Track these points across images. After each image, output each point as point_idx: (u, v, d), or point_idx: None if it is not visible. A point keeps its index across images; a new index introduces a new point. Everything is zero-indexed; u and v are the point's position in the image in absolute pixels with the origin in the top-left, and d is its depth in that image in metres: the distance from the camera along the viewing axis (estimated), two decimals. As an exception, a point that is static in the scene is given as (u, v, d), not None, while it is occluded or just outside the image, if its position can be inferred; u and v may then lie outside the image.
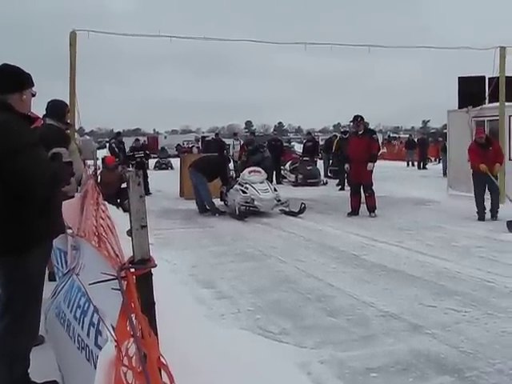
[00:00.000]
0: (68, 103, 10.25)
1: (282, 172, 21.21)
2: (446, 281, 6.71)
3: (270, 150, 21.32)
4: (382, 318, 5.44)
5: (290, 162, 21.49)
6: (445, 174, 20.84)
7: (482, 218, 11.26)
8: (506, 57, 13.57)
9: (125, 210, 10.37)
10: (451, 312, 5.57)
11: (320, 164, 22.75)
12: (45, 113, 5.94)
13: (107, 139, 44.88)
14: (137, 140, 20.54)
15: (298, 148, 32.19)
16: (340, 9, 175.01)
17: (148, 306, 2.26)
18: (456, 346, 4.65)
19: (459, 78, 15.57)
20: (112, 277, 2.13)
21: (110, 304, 2.11)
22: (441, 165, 23.55)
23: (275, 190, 13.10)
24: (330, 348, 4.66)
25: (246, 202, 12.33)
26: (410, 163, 30.75)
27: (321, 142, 29.57)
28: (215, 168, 13.20)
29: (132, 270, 2.20)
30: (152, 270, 2.42)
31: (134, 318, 1.82)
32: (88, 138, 33.13)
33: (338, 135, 22.17)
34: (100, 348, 2.11)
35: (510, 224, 9.91)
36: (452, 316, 5.45)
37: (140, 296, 2.12)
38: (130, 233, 2.29)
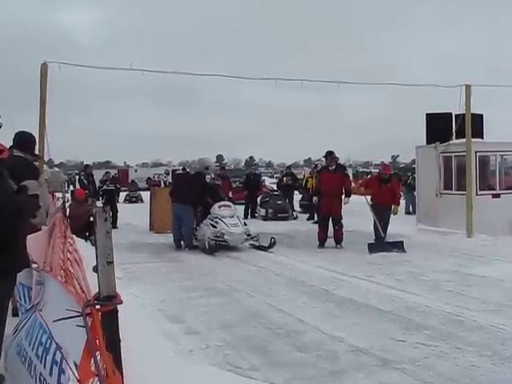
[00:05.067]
0: (37, 134, 10.21)
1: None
2: (416, 315, 6.74)
3: (247, 184, 21.47)
4: (351, 353, 5.42)
5: (260, 197, 21.53)
6: (407, 211, 20.95)
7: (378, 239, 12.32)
8: (471, 95, 13.89)
9: (93, 244, 10.24)
10: (421, 346, 5.57)
11: (297, 198, 22.81)
12: (12, 144, 5.87)
13: (77, 171, 44.55)
14: (107, 173, 20.41)
15: (268, 182, 32.27)
16: (310, 45, 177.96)
17: (113, 344, 2.21)
18: (425, 381, 4.65)
19: (427, 114, 15.88)
20: (77, 313, 2.09)
21: (73, 341, 2.06)
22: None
23: (245, 224, 13.08)
24: (299, 384, 4.62)
25: (216, 237, 12.28)
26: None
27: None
28: (200, 190, 13.13)
29: (97, 306, 2.16)
30: (119, 305, 2.38)
31: (98, 356, 1.78)
32: (57, 169, 32.86)
33: (308, 170, 22.31)
34: (63, 387, 2.05)
35: (371, 247, 11.46)
36: (421, 350, 5.46)
37: (105, 333, 2.07)
38: (96, 269, 2.25)
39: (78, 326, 2.03)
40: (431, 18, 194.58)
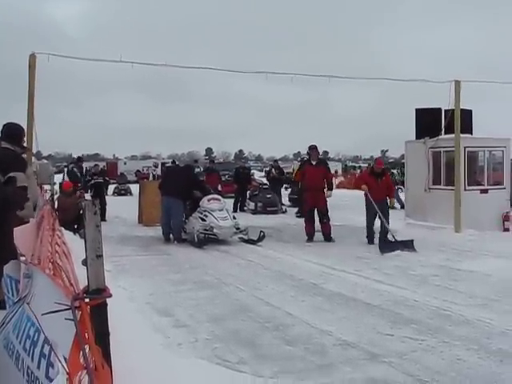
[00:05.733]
0: (26, 126, 10.12)
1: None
2: (403, 309, 6.78)
3: (237, 178, 21.47)
4: (339, 346, 5.44)
5: (249, 190, 21.54)
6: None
7: (371, 241, 12.13)
8: (460, 90, 13.94)
9: (82, 237, 10.21)
10: (408, 340, 5.61)
11: (286, 192, 22.86)
12: (0, 136, 5.82)
13: (65, 164, 44.32)
14: (96, 165, 20.36)
15: (258, 176, 32.28)
16: (301, 40, 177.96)
17: (102, 337, 2.21)
18: (412, 374, 4.68)
19: (416, 109, 15.93)
20: (65, 307, 2.08)
21: (62, 335, 2.05)
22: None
23: (234, 217, 13.08)
24: (287, 377, 4.64)
25: (205, 230, 12.27)
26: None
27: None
28: (189, 183, 13.11)
29: (86, 300, 2.15)
30: (108, 298, 2.37)
31: (87, 350, 1.77)
32: (45, 162, 32.68)
33: (297, 164, 22.33)
34: (51, 380, 2.04)
35: (382, 246, 11.09)
36: (409, 344, 5.49)
37: (94, 326, 2.07)
38: (85, 262, 2.25)
39: (66, 319, 2.02)
40: (421, 15, 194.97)
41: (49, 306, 2.27)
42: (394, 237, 11.33)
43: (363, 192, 12.34)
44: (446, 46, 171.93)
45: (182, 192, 12.83)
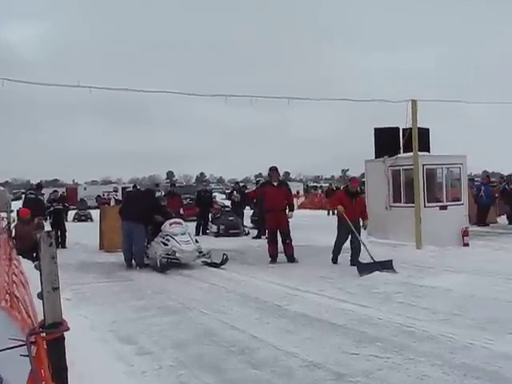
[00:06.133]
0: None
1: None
2: (368, 327, 6.79)
3: (199, 201, 21.38)
4: (306, 368, 5.41)
5: (212, 213, 21.49)
6: None
7: (335, 261, 12.22)
8: (417, 109, 14.21)
9: (37, 269, 9.99)
10: (373, 358, 5.61)
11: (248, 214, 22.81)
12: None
13: (23, 190, 43.46)
14: (55, 191, 20.05)
15: (219, 199, 32.23)
16: (259, 62, 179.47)
17: (59, 372, 2.14)
18: (379, 394, 4.67)
19: (375, 129, 16.18)
20: (20, 342, 2.01)
21: (17, 372, 1.98)
22: None
23: (197, 241, 13.01)
24: (254, 402, 4.58)
25: (168, 254, 12.16)
26: (331, 212, 31.13)
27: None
28: (150, 208, 12.97)
29: (43, 334, 2.09)
30: (69, 326, 2.31)
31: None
32: (2, 188, 31.98)
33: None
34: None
35: (360, 268, 10.70)
36: (374, 362, 5.50)
37: (51, 362, 2.00)
38: (41, 295, 2.18)
39: (22, 355, 1.96)
40: (380, 35, 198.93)
41: (3, 341, 2.20)
42: (372, 258, 11.04)
43: (338, 212, 12.11)
44: (404, 66, 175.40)
45: (143, 217, 12.70)
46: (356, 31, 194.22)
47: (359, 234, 11.97)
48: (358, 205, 12.08)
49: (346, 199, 12.02)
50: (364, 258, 11.32)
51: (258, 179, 22.38)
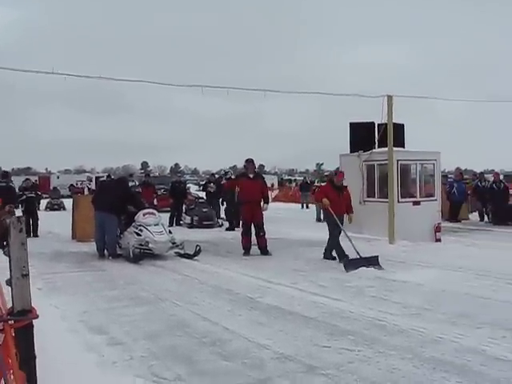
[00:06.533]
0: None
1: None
2: (340, 321, 6.82)
3: (173, 192, 21.27)
4: (277, 360, 5.42)
5: (186, 204, 21.41)
6: (318, 219, 21.32)
7: (343, 255, 11.31)
8: (392, 105, 14.30)
9: (7, 255, 9.86)
10: (345, 351, 5.64)
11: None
12: None
13: (-5, 178, 42.78)
14: (27, 179, 19.80)
15: (194, 190, 32.11)
16: (236, 54, 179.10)
17: (27, 361, 2.10)
18: (350, 386, 4.70)
19: (350, 123, 16.25)
20: (-13, 330, 1.97)
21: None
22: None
23: (170, 232, 12.95)
24: (225, 394, 4.58)
25: (141, 245, 12.07)
26: (305, 205, 31.30)
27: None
28: (123, 198, 12.85)
29: (11, 322, 2.04)
30: (36, 319, 2.27)
31: (10, 376, 1.68)
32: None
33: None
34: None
35: (347, 264, 10.47)
36: (346, 355, 5.52)
37: (19, 350, 1.96)
38: (9, 282, 2.14)
39: (-12, 342, 1.92)
40: (357, 30, 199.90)
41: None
42: (358, 253, 10.83)
43: (324, 206, 11.82)
44: (380, 60, 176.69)
45: (115, 207, 12.59)
46: (333, 24, 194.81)
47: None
48: (344, 198, 11.83)
49: (332, 193, 11.71)
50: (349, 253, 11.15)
51: (226, 170, 22.37)
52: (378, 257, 10.72)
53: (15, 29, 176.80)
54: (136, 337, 6.24)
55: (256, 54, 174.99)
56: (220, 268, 10.89)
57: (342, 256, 11.31)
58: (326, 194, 11.73)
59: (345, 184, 12.15)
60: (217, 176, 24.91)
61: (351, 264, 10.50)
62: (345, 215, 11.87)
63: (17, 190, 17.76)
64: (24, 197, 17.65)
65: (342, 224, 11.65)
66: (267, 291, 8.67)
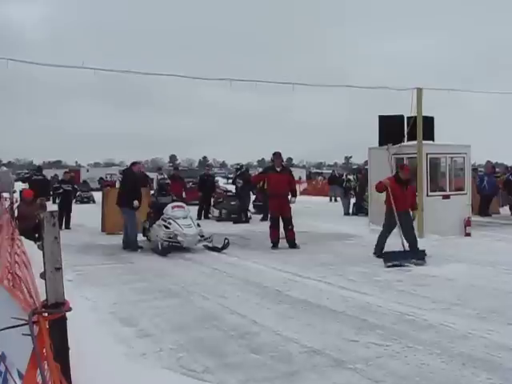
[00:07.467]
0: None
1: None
2: (368, 315, 6.80)
3: (201, 185, 21.34)
4: (305, 353, 5.43)
5: (214, 198, 21.48)
6: (346, 212, 21.30)
7: (379, 252, 11.01)
8: (422, 97, 14.14)
9: (40, 248, 10.01)
10: (373, 346, 5.63)
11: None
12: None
13: (26, 171, 43.48)
14: (66, 172, 20.14)
15: (222, 183, 32.19)
16: (264, 47, 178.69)
17: (61, 352, 2.15)
18: (378, 380, 4.69)
19: (379, 116, 16.08)
20: (23, 322, 2.01)
21: (19, 351, 1.98)
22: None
23: (199, 225, 13.01)
24: (253, 386, 4.61)
25: (169, 238, 12.17)
26: (333, 199, 31.12)
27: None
28: (131, 193, 12.97)
29: (45, 314, 2.08)
30: (68, 311, 2.31)
31: (45, 366, 1.71)
32: (5, 169, 32.01)
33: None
34: (7, 398, 1.97)
35: (386, 257, 10.35)
36: (374, 350, 5.51)
37: (53, 341, 2.00)
38: (43, 275, 2.18)
39: (24, 334, 1.96)
40: (384, 23, 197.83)
41: (6, 320, 2.20)
42: (404, 246, 10.59)
43: (385, 202, 11.30)
44: (408, 53, 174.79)
45: (122, 200, 12.86)
46: (365, 17, 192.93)
47: (412, 225, 11.29)
48: (408, 194, 11.30)
49: (396, 187, 11.09)
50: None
51: (236, 167, 22.36)
52: (424, 251, 10.53)
53: (46, 25, 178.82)
54: (165, 329, 6.30)
55: (283, 47, 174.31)
56: (248, 261, 10.91)
57: (379, 251, 11.11)
58: (392, 189, 11.09)
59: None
60: (243, 170, 24.83)
61: (391, 257, 10.39)
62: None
63: (53, 183, 18.18)
64: (61, 190, 17.91)
65: (408, 220, 11.12)
66: (295, 285, 8.67)
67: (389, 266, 10.09)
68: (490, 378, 4.71)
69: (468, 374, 4.82)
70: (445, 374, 4.83)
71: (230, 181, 25.02)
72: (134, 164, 13.73)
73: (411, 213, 11.35)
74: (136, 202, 12.83)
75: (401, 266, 10.09)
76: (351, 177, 23.29)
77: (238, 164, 22.33)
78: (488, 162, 22.35)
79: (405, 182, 11.34)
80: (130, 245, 12.71)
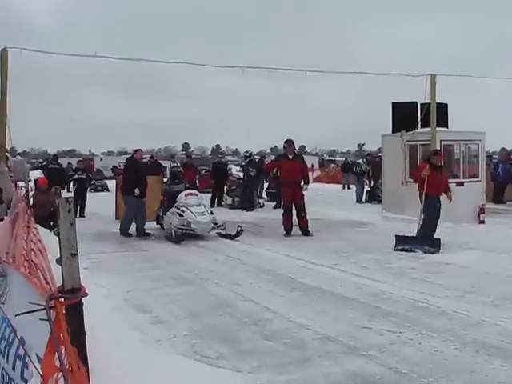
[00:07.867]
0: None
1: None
2: (381, 302, 6.82)
3: (214, 173, 21.37)
4: (318, 340, 5.45)
5: (227, 185, 21.51)
6: (359, 200, 21.25)
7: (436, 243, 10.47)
8: (436, 84, 14.04)
9: (56, 234, 10.09)
10: (386, 333, 5.64)
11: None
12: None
13: (41, 160, 43.78)
14: (80, 161, 20.32)
15: (235, 171, 32.17)
16: (276, 33, 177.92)
17: (78, 337, 2.17)
18: (391, 367, 4.71)
19: (393, 103, 16.00)
20: (40, 307, 2.04)
21: (37, 335, 2.01)
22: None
23: (212, 213, 13.05)
24: (266, 372, 4.64)
25: (183, 225, 12.22)
26: (346, 186, 31.04)
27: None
28: (133, 180, 13.09)
29: (61, 299, 2.12)
30: (84, 297, 2.34)
31: (62, 350, 1.74)
32: (20, 158, 32.27)
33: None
34: (26, 382, 2.01)
35: (399, 240, 10.34)
36: (387, 337, 5.53)
37: (70, 326, 2.04)
38: (59, 261, 2.21)
39: (41, 319, 1.99)
40: (397, 8, 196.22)
41: (23, 305, 2.23)
42: (418, 232, 10.53)
43: (418, 188, 11.17)
44: (421, 39, 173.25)
45: (125, 187, 13.05)
46: (378, 4, 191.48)
47: (438, 215, 11.08)
48: (443, 179, 11.28)
49: (432, 174, 10.92)
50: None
51: (245, 154, 22.29)
52: (439, 239, 10.37)
53: (59, 13, 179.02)
54: (179, 316, 6.35)
55: (296, 34, 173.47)
56: (261, 248, 10.94)
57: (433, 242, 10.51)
58: (428, 176, 10.89)
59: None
60: (256, 158, 24.76)
61: (401, 240, 10.38)
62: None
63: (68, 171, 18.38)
64: (76, 176, 18.05)
65: (432, 206, 10.97)
66: (308, 272, 8.69)
67: (397, 250, 10.14)
68: (503, 365, 4.71)
69: (481, 361, 4.82)
70: (458, 361, 4.84)
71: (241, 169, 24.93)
72: (136, 152, 13.84)
73: (446, 195, 11.13)
74: (137, 190, 12.89)
75: (409, 251, 10.12)
76: (360, 160, 23.21)
77: (246, 151, 22.21)
78: (503, 148, 22.15)
79: (439, 167, 11.23)
80: (124, 232, 12.97)
